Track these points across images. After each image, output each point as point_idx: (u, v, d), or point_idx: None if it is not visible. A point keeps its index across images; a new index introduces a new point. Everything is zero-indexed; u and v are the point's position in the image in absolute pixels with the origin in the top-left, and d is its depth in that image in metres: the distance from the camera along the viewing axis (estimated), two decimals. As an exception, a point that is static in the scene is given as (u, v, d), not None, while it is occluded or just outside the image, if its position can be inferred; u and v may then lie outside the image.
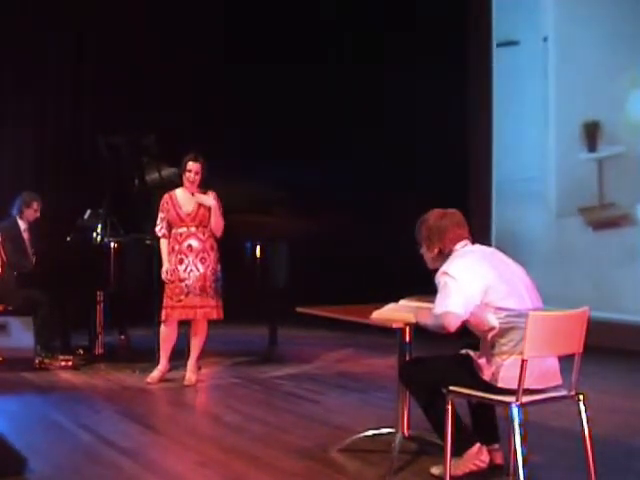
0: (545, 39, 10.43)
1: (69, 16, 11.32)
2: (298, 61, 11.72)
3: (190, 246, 7.30)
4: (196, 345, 7.51)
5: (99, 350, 8.59)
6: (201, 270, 7.28)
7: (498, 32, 11.03)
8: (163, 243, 7.41)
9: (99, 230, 8.52)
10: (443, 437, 4.45)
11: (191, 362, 7.50)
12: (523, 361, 4.12)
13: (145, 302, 8.10)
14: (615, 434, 5.67)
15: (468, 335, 4.59)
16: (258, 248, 8.52)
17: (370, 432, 5.39)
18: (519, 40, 10.76)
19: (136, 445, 5.47)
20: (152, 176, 8.69)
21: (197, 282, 7.27)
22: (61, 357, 8.16)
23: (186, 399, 7.08)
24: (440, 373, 4.55)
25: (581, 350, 4.38)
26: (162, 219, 7.42)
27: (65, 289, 8.24)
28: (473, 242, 4.73)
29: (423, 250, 4.75)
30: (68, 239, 8.72)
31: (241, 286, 7.95)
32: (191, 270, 7.27)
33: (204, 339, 7.51)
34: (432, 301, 4.58)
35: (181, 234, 7.33)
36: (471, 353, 4.54)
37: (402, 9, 11.14)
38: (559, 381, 4.47)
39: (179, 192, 7.44)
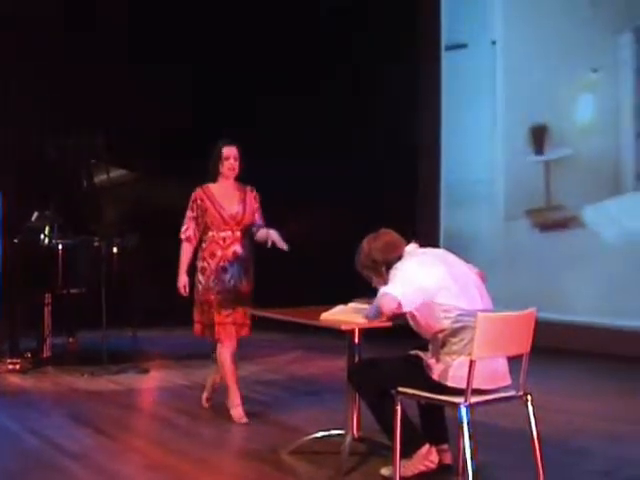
0: (494, 42, 10.51)
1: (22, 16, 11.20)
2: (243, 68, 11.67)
3: (235, 253, 6.16)
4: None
5: (47, 353, 8.52)
6: (244, 282, 6.20)
7: (447, 35, 11.09)
8: (185, 248, 6.22)
9: (47, 232, 8.44)
10: (392, 438, 4.47)
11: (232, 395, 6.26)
12: (471, 362, 4.16)
13: (94, 304, 8.04)
14: (562, 434, 5.73)
15: (418, 336, 4.62)
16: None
17: (320, 434, 5.39)
18: (467, 43, 10.83)
19: (85, 449, 5.43)
20: (100, 177, 8.63)
21: (240, 295, 6.18)
22: (9, 360, 8.08)
23: (135, 402, 7.04)
24: (389, 374, 4.56)
25: (528, 351, 4.43)
26: (191, 219, 6.21)
27: (13, 291, 8.16)
28: (421, 246, 4.75)
29: (374, 281, 4.74)
30: (15, 241, 8.63)
31: (192, 287, 7.88)
32: (235, 282, 6.15)
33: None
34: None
35: (224, 238, 6.16)
36: (421, 354, 4.57)
37: (353, 9, 11.13)
38: (508, 381, 4.51)
39: (215, 188, 6.25)
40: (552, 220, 9.96)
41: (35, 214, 8.64)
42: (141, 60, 11.43)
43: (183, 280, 6.20)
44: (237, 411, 6.18)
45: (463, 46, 10.86)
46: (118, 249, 8.37)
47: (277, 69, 11.51)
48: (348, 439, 5.09)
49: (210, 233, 6.18)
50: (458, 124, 10.95)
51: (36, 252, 8.45)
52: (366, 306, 4.81)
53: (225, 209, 6.17)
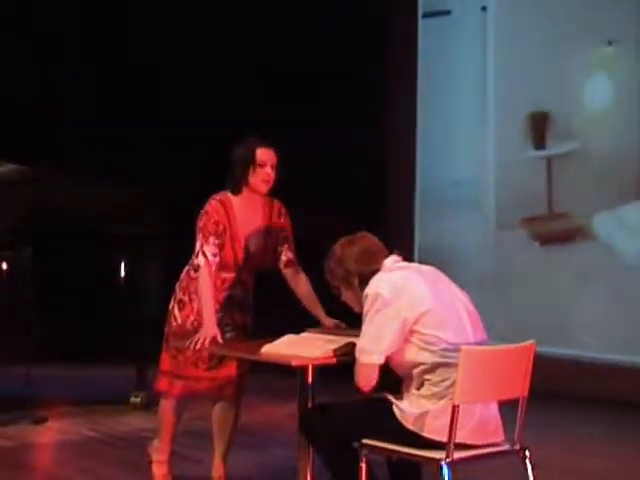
0: (484, 8, 10.56)
1: None
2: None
3: (231, 297, 5.70)
4: (228, 428, 6.07)
5: None
6: (239, 322, 5.75)
7: (425, -1, 11.15)
8: (208, 280, 5.48)
9: None
10: (355, 503, 4.45)
11: (219, 457, 6.08)
12: (454, 407, 4.14)
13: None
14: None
15: (387, 373, 4.60)
16: (122, 268, 8.44)
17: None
18: (451, 9, 10.88)
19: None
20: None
21: (235, 338, 5.70)
22: None
23: (27, 461, 6.95)
24: (351, 422, 4.53)
25: (526, 394, 4.43)
26: (216, 245, 5.53)
27: None
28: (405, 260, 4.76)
29: (344, 295, 4.75)
30: None
31: (103, 317, 7.84)
32: (227, 324, 5.66)
33: (238, 418, 6.16)
34: (345, 334, 4.64)
35: (224, 280, 5.66)
36: (390, 396, 4.54)
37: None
38: (501, 437, 4.50)
39: (238, 208, 5.64)
40: (555, 231, 10.03)
41: None
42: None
43: (214, 330, 5.32)
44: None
45: (446, 13, 10.91)
46: (8, 265, 8.31)
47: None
48: (299, 504, 5.07)
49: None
50: (438, 110, 11.00)
51: None
52: (326, 337, 4.80)
53: (244, 247, 5.62)
